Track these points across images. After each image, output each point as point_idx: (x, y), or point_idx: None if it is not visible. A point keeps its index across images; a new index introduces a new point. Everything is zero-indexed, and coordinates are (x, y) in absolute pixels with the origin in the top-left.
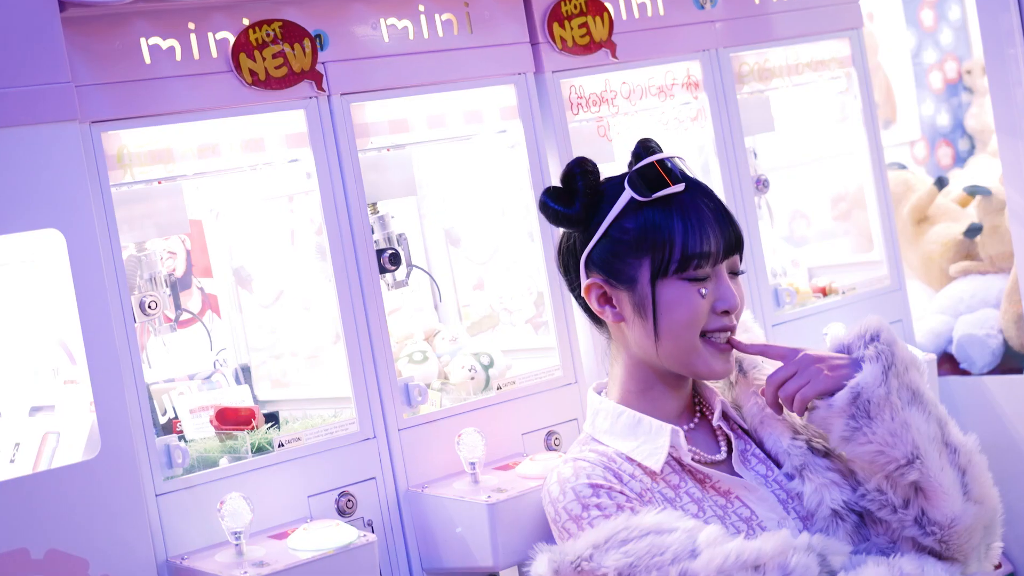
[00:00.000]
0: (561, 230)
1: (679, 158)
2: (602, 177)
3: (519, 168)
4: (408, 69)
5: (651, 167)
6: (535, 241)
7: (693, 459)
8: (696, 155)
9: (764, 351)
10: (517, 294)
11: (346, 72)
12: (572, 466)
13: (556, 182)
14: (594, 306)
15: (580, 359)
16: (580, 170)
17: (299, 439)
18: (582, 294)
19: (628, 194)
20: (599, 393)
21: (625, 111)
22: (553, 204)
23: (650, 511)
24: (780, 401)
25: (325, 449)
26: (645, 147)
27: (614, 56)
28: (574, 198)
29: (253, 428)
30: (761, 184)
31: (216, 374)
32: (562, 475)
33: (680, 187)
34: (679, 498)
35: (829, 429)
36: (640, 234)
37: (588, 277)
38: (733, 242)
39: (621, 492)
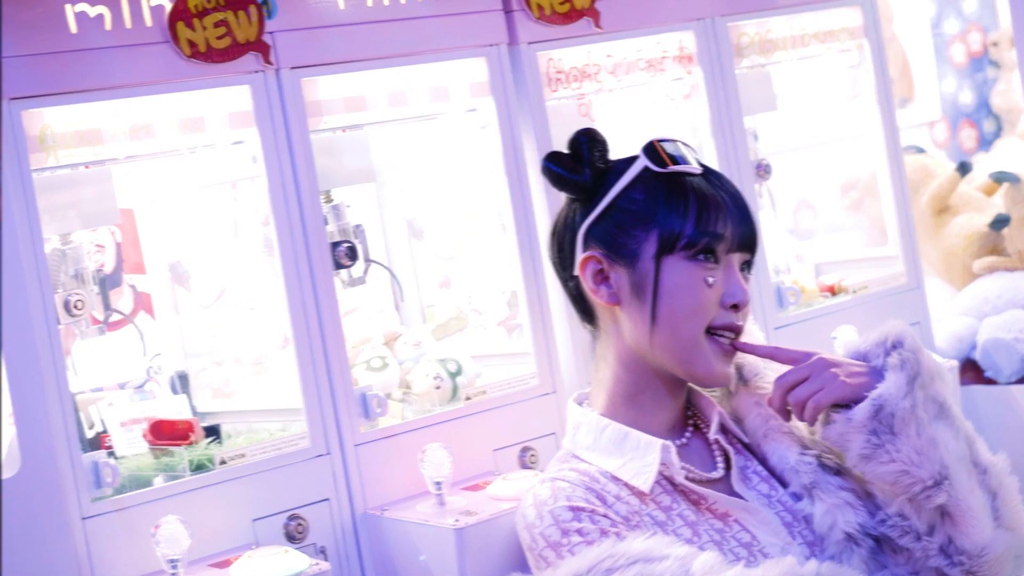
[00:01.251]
0: (557, 212)
1: (691, 148)
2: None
3: (490, 151)
4: (366, 40)
5: (666, 145)
6: (508, 234)
7: (687, 478)
8: (689, 137)
9: (773, 354)
10: (488, 293)
11: (296, 43)
12: (550, 486)
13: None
14: (588, 283)
15: (559, 366)
16: (588, 139)
17: (243, 456)
18: (576, 271)
19: (642, 163)
20: (580, 404)
21: (610, 87)
22: (558, 168)
23: (638, 537)
24: (789, 408)
25: (273, 467)
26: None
27: (598, 26)
28: (582, 165)
29: (192, 443)
30: (762, 169)
31: (150, 383)
32: (539, 497)
33: (698, 168)
34: (671, 521)
35: (847, 447)
36: (650, 205)
37: (586, 251)
38: (748, 237)
39: (605, 516)
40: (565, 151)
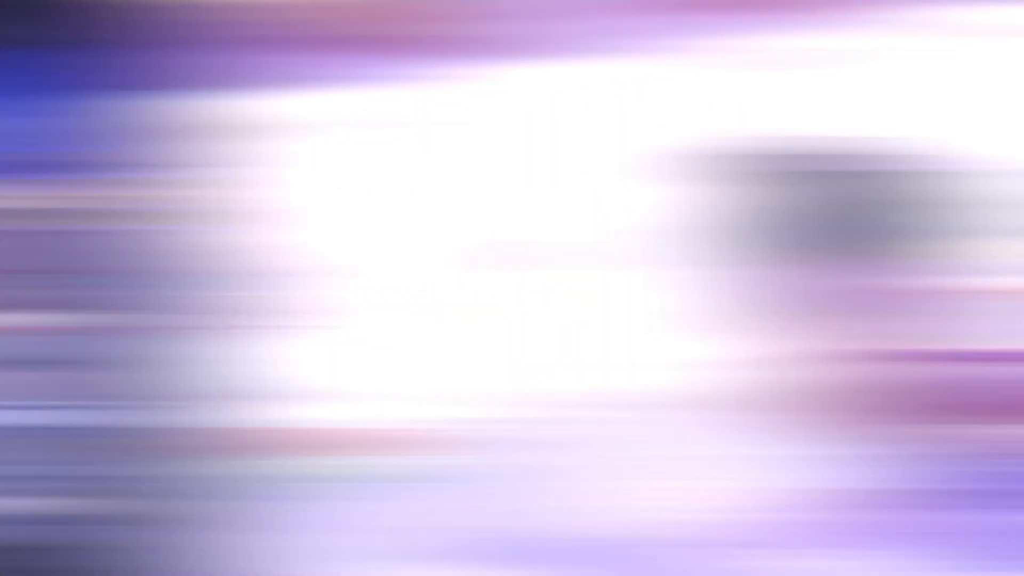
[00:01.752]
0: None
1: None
2: None
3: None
4: (585, 34)
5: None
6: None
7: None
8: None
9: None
10: None
11: (514, 36)
12: None
13: None
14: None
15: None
16: None
17: (423, 466)
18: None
19: None
20: None
21: None
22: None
23: None
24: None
25: (449, 480)
26: None
27: None
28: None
29: (369, 454)
30: None
31: (321, 388)
32: None
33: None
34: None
35: None
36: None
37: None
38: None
39: None
40: None
